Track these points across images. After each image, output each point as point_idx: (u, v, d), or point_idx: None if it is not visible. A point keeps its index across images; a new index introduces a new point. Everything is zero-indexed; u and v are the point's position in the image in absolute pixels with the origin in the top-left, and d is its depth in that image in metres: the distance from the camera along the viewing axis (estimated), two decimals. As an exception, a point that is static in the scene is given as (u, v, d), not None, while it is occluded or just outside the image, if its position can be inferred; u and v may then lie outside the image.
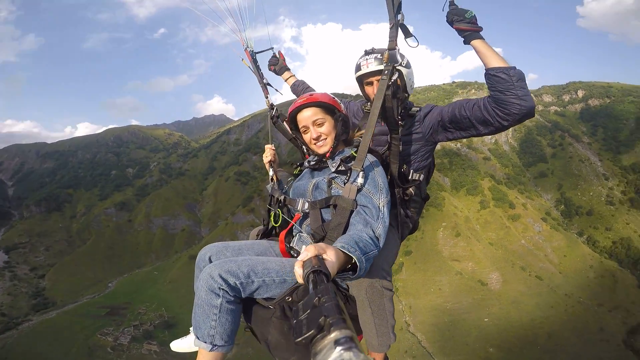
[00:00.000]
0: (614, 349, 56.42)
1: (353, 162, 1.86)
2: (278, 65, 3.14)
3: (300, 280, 1.02)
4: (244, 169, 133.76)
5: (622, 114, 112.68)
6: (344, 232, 1.72)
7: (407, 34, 1.99)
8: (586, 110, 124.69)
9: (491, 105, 1.95)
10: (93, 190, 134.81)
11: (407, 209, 2.35)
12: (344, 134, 2.04)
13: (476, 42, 1.96)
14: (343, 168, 1.88)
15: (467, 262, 75.05)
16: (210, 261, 1.85)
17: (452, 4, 2.00)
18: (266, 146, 2.49)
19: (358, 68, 2.40)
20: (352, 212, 1.75)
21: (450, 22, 1.99)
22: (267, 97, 2.71)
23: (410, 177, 2.27)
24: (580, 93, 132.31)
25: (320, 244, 1.24)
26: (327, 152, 1.99)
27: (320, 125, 1.98)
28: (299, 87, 3.09)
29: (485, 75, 1.94)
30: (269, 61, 3.15)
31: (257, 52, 2.88)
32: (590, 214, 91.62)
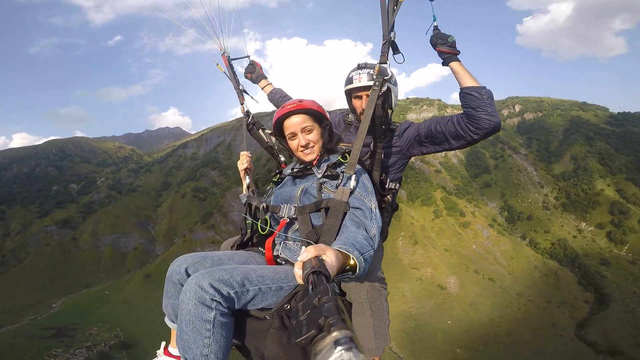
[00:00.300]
0: (568, 342, 60.77)
1: (345, 167, 1.88)
2: (255, 74, 3.11)
3: (300, 281, 1.01)
4: (202, 184, 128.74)
5: (552, 127, 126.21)
6: (337, 235, 1.71)
7: (396, 51, 2.14)
8: (522, 124, 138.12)
9: (464, 121, 2.12)
10: (30, 207, 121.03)
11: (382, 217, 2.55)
12: (329, 142, 2.07)
13: (454, 64, 2.14)
14: (332, 173, 1.91)
15: (426, 269, 78.11)
16: (188, 274, 1.67)
17: (436, 28, 2.20)
18: (242, 153, 2.43)
19: (350, 81, 2.45)
20: (344, 215, 1.75)
21: (434, 45, 2.18)
22: (242, 104, 2.68)
23: (387, 186, 2.37)
24: (517, 107, 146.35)
25: (320, 245, 1.22)
26: (314, 159, 1.99)
27: (309, 132, 1.97)
28: (277, 96, 3.05)
29: (460, 94, 2.12)
30: (245, 69, 3.11)
31: (234, 59, 2.85)
32: (530, 219, 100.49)
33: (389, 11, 2.01)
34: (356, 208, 1.75)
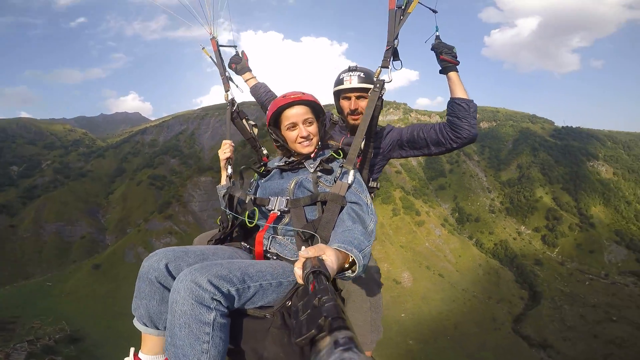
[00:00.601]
0: (505, 335, 66.17)
1: (342, 162, 1.89)
2: (240, 65, 3.01)
3: (300, 281, 1.00)
4: (160, 172, 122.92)
5: (504, 136, 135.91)
6: (332, 229, 1.67)
7: (396, 58, 2.15)
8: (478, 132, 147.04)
9: (446, 129, 2.22)
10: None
11: None
12: (324, 138, 2.08)
13: (453, 74, 2.22)
14: (326, 167, 1.90)
15: (383, 264, 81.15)
16: (169, 271, 1.53)
17: (437, 38, 2.29)
18: (224, 141, 2.34)
19: (340, 82, 2.51)
20: (341, 209, 1.72)
21: (439, 53, 2.23)
22: (227, 91, 2.61)
23: (369, 184, 2.46)
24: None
25: (320, 244, 1.21)
26: (312, 152, 1.96)
27: (310, 124, 1.93)
28: (261, 90, 2.96)
29: (449, 102, 2.22)
30: (231, 59, 3.00)
31: (221, 46, 2.80)
32: (478, 221, 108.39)
33: (396, 20, 2.09)
34: (353, 203, 1.73)
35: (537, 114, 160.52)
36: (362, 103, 2.46)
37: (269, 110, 1.97)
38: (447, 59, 2.21)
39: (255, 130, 2.51)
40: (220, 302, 1.29)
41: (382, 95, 2.09)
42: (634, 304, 72.42)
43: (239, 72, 3.04)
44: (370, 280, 1.81)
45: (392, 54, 2.10)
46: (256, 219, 1.81)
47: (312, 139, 1.94)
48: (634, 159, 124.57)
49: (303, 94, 1.94)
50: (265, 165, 2.17)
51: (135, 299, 1.61)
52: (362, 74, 2.47)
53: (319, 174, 1.89)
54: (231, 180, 2.25)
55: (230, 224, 2.00)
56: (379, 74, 2.09)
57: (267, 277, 1.49)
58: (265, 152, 2.41)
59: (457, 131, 2.17)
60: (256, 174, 2.14)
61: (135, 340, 1.74)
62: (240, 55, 3.02)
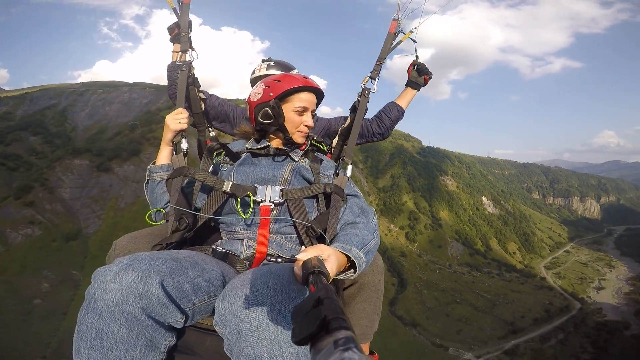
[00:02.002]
0: (385, 317, 72.76)
1: (344, 156, 1.83)
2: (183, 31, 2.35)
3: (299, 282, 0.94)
4: (14, 150, 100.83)
5: (383, 150, 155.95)
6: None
7: (378, 74, 2.19)
8: (365, 144, 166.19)
9: (372, 125, 2.31)
10: None
11: None
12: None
13: (414, 91, 2.39)
14: (315, 157, 1.73)
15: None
16: (167, 293, 1.03)
17: (417, 58, 2.38)
18: (180, 109, 1.82)
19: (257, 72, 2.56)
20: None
21: (424, 73, 2.34)
22: (185, 52, 2.10)
23: None
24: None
25: (319, 245, 1.11)
26: (304, 143, 1.73)
27: (313, 115, 1.71)
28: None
29: (391, 103, 2.36)
30: (175, 23, 2.27)
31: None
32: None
33: (391, 43, 2.26)
34: (352, 195, 1.63)
35: (411, 134, 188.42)
36: None
37: (286, 83, 1.60)
38: (425, 82, 2.37)
39: (203, 106, 2.13)
40: None
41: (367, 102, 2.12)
42: (470, 289, 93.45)
43: (174, 39, 2.33)
44: (378, 270, 1.73)
45: (378, 70, 2.19)
46: (250, 210, 1.43)
47: (308, 131, 1.72)
48: (471, 177, 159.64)
49: (306, 78, 1.67)
50: (223, 145, 1.71)
51: (87, 353, 0.97)
52: (279, 67, 2.49)
53: (308, 163, 1.68)
54: (185, 158, 1.79)
55: (192, 219, 1.54)
56: (366, 82, 2.15)
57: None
58: (212, 134, 2.11)
59: (380, 127, 2.32)
60: (215, 156, 1.74)
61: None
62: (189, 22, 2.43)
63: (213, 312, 1.08)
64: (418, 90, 2.41)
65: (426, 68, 2.36)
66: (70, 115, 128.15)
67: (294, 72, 2.49)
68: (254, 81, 2.50)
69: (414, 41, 2.37)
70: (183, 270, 1.11)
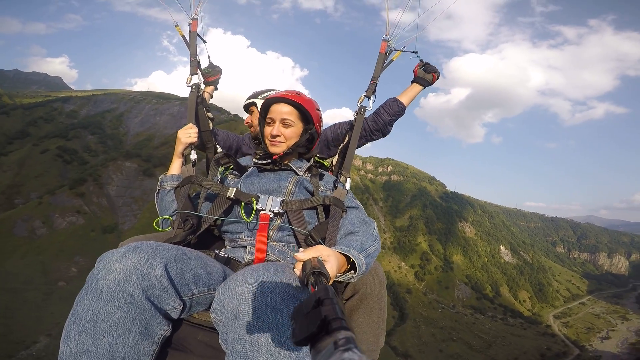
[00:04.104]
0: None
1: (342, 170, 1.84)
2: (213, 82, 2.48)
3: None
4: (72, 146, 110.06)
5: (406, 190, 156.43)
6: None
7: (373, 92, 2.17)
8: (388, 182, 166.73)
9: (369, 122, 2.23)
10: None
11: None
12: (304, 147, 1.78)
13: (419, 87, 2.34)
14: (316, 172, 1.72)
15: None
16: (170, 277, 1.04)
17: (422, 60, 2.36)
18: (190, 124, 1.97)
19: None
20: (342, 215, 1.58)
21: (433, 72, 2.33)
22: (193, 75, 2.18)
23: None
24: (389, 168, 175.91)
25: (318, 246, 1.08)
26: (278, 154, 1.68)
27: (287, 126, 1.66)
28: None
29: (392, 98, 2.30)
30: (205, 69, 2.42)
31: (200, 37, 2.39)
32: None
33: (383, 63, 2.25)
34: (352, 207, 1.63)
35: (436, 176, 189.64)
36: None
37: (263, 103, 1.72)
38: (433, 79, 2.32)
39: (211, 125, 2.19)
40: None
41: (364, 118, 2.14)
42: (469, 329, 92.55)
43: (208, 84, 2.45)
44: (379, 279, 1.63)
45: (373, 88, 2.17)
46: (253, 214, 1.48)
47: (282, 141, 1.68)
48: (492, 226, 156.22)
49: (298, 94, 1.70)
50: (230, 157, 1.78)
51: (77, 338, 0.91)
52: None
53: (309, 177, 1.70)
54: (194, 167, 1.90)
55: (197, 222, 1.55)
56: (362, 100, 2.14)
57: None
58: (220, 150, 2.11)
59: (377, 123, 2.22)
60: (222, 169, 1.80)
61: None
62: (217, 68, 2.50)
63: (209, 308, 1.09)
64: (424, 87, 2.35)
65: (434, 67, 2.32)
66: (125, 121, 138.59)
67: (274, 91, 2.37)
68: (245, 107, 2.56)
69: (415, 52, 2.35)
70: (187, 259, 1.13)
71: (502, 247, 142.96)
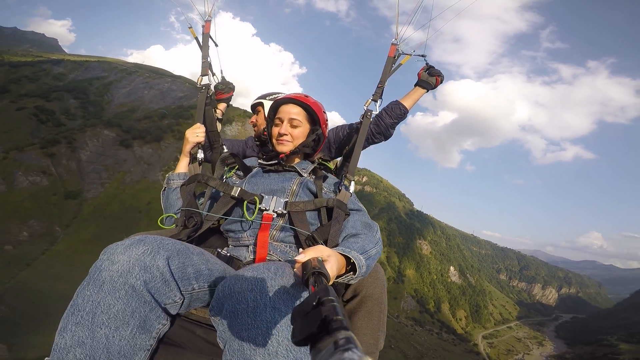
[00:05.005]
0: None
1: (347, 172, 1.81)
2: (226, 100, 2.42)
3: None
4: (52, 107, 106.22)
5: (375, 202, 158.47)
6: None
7: (380, 96, 2.14)
8: (360, 192, 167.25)
9: (371, 125, 2.17)
10: None
11: None
12: (310, 148, 1.77)
13: (422, 91, 2.29)
14: (320, 174, 1.74)
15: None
16: (172, 271, 1.02)
17: (427, 63, 2.33)
18: (198, 124, 1.98)
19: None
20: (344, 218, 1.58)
21: (437, 76, 2.28)
22: (205, 75, 2.17)
23: None
24: (365, 178, 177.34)
25: (318, 246, 1.07)
26: (285, 153, 1.69)
27: (294, 126, 1.69)
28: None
29: (394, 102, 2.26)
30: (218, 86, 2.36)
31: (213, 40, 2.33)
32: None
33: (391, 67, 2.20)
34: (355, 210, 1.63)
35: (406, 194, 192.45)
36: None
37: (272, 104, 1.76)
38: (436, 83, 2.28)
39: (219, 127, 2.19)
40: None
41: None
42: (407, 339, 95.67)
43: (220, 100, 2.39)
44: (379, 282, 1.63)
45: (380, 92, 2.14)
46: (255, 213, 1.48)
47: (289, 141, 1.70)
48: (447, 248, 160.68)
49: (306, 96, 1.74)
50: (235, 157, 1.81)
51: (73, 330, 0.90)
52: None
53: (313, 178, 1.70)
54: (200, 166, 1.92)
55: (200, 220, 1.55)
56: (368, 104, 2.10)
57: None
58: (226, 150, 2.07)
59: (379, 126, 2.19)
60: (228, 169, 1.83)
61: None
62: (230, 85, 2.43)
63: (208, 305, 1.09)
64: (427, 91, 2.29)
65: (438, 70, 2.27)
66: (112, 90, 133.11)
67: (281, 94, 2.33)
68: (252, 107, 2.56)
69: (424, 56, 2.30)
70: (189, 254, 1.10)
71: (452, 268, 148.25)
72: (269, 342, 0.84)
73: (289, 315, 0.81)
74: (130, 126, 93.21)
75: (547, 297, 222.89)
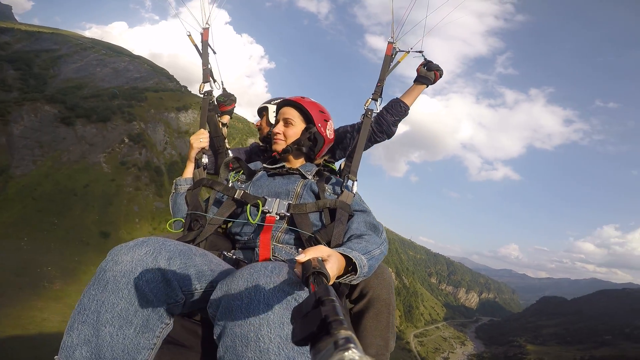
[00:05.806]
0: None
1: (349, 173, 1.76)
2: (229, 112, 2.44)
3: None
4: None
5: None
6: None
7: (379, 95, 2.11)
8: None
9: (373, 124, 2.10)
10: None
11: None
12: (307, 147, 1.79)
13: (422, 86, 2.21)
14: (324, 175, 1.74)
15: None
16: (171, 267, 1.05)
17: (425, 59, 2.23)
18: (202, 130, 2.00)
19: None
20: (349, 218, 1.56)
21: (436, 70, 2.18)
22: (206, 82, 2.20)
23: None
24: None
25: (319, 246, 1.07)
26: (278, 150, 1.76)
27: (288, 125, 1.75)
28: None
29: (395, 100, 2.19)
30: (220, 98, 2.37)
31: (210, 47, 2.35)
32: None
33: (390, 64, 2.17)
34: (359, 211, 1.60)
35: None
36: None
37: (276, 107, 1.86)
38: (436, 78, 2.19)
39: (225, 132, 2.20)
40: None
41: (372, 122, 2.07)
42: None
43: (223, 113, 2.37)
44: (386, 283, 1.63)
45: (379, 91, 2.11)
46: (258, 216, 1.50)
47: (283, 139, 1.76)
48: (387, 251, 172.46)
49: (302, 98, 1.80)
50: (239, 160, 1.82)
51: (80, 328, 0.94)
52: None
53: (317, 180, 1.69)
54: (205, 170, 1.92)
55: (205, 223, 1.58)
56: (368, 103, 2.08)
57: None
58: (231, 155, 2.06)
59: (381, 125, 2.13)
60: (232, 173, 1.81)
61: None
62: (232, 97, 2.43)
63: None
64: (427, 86, 2.22)
65: (437, 65, 2.19)
66: (61, 64, 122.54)
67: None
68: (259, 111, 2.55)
69: (421, 52, 2.26)
70: (192, 255, 1.10)
71: (389, 270, 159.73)
72: (261, 339, 0.83)
73: (283, 313, 0.82)
74: (75, 103, 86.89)
75: (470, 300, 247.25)
